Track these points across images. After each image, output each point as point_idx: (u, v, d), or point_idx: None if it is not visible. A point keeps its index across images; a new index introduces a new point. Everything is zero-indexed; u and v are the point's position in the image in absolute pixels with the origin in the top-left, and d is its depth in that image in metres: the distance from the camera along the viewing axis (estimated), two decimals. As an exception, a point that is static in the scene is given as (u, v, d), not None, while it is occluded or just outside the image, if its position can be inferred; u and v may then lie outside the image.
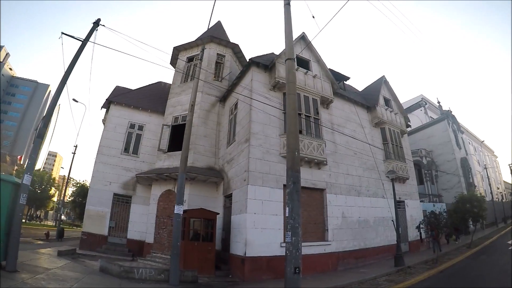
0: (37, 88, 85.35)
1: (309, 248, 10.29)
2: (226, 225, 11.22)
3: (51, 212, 62.57)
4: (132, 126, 17.00)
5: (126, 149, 16.52)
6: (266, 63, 12.06)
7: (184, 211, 10.60)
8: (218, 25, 19.28)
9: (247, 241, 9.16)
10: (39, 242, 17.90)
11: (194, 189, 12.52)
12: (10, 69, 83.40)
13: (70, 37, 9.95)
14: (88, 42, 10.01)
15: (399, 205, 14.19)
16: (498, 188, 48.81)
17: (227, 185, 11.96)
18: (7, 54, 79.15)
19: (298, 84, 12.08)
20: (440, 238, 15.31)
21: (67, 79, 9.32)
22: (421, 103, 42.50)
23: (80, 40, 9.96)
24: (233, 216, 10.59)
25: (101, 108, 18.89)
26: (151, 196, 13.78)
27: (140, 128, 17.11)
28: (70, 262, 10.44)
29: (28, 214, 43.58)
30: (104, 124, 17.83)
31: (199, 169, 12.75)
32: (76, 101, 25.87)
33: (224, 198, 12.09)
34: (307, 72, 12.86)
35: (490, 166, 45.72)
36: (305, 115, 11.85)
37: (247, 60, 12.46)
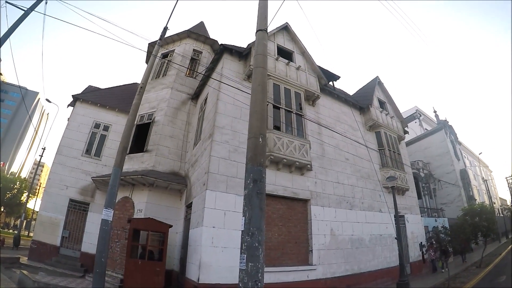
0: (26, 95, 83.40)
1: (287, 275, 8.26)
2: (185, 241, 9.08)
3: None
4: (97, 126, 15.24)
5: (88, 151, 14.66)
6: (240, 50, 10.31)
7: (129, 220, 8.69)
8: (201, 24, 18.21)
9: (201, 263, 7.04)
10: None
11: (153, 197, 10.45)
12: (0, 74, 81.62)
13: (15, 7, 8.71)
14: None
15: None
16: (494, 203, 47.32)
17: (189, 192, 9.91)
18: (-2, 60, 77.54)
19: (278, 74, 10.40)
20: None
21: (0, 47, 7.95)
22: (415, 115, 41.18)
23: (23, 10, 8.70)
24: (190, 230, 8.50)
25: (68, 106, 17.13)
26: (106, 204, 11.73)
27: (106, 128, 15.31)
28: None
29: (1, 222, 40.69)
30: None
31: (160, 174, 10.72)
32: (50, 102, 24.51)
33: (185, 208, 9.99)
34: (289, 63, 11.12)
35: (487, 179, 44.24)
36: (285, 109, 9.98)
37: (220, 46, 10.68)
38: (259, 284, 3.43)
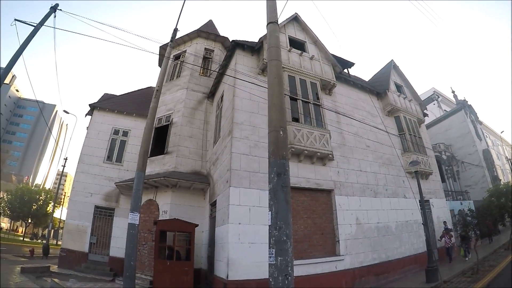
0: (44, 108, 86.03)
1: (315, 266, 8.22)
2: (211, 239, 9.19)
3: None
4: (116, 132, 15.52)
5: (109, 157, 14.97)
6: (252, 45, 10.25)
7: (155, 222, 8.85)
8: (210, 23, 18.17)
9: (229, 259, 7.09)
10: (20, 259, 16.61)
11: (177, 198, 10.61)
12: (17, 90, 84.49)
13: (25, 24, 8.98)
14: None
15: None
16: (520, 183, 45.41)
17: (212, 190, 10.00)
18: (14, 76, 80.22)
19: (292, 66, 10.28)
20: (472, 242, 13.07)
21: (13, 64, 8.21)
22: (433, 97, 39.98)
23: (33, 26, 8.93)
24: (216, 228, 8.57)
25: (86, 115, 17.55)
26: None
27: (125, 134, 15.57)
28: (24, 281, 9.49)
29: (29, 232, 42.44)
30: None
31: (182, 174, 10.87)
32: (67, 113, 25.05)
33: (210, 206, 10.09)
34: (302, 53, 10.97)
35: (510, 158, 42.54)
36: (302, 100, 9.88)
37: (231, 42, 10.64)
38: (289, 277, 3.37)
